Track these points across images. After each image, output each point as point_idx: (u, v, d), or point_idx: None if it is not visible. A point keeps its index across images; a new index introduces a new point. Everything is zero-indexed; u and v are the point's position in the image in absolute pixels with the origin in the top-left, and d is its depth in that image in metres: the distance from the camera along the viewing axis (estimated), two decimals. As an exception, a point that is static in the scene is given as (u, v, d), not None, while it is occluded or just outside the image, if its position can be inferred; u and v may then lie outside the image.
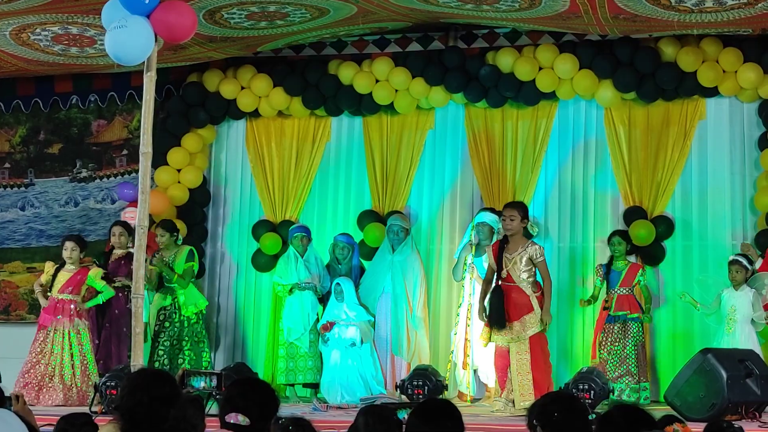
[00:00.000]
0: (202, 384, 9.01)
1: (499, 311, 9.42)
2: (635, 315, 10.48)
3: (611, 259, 10.72)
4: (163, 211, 11.84)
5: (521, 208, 9.75)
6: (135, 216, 10.96)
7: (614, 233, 10.81)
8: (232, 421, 4.20)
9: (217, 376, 9.14)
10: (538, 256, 9.53)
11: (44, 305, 10.63)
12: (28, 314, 12.36)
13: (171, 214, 11.94)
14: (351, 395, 10.36)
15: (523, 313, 9.41)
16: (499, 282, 9.51)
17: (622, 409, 4.27)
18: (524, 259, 9.47)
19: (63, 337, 10.47)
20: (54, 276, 10.64)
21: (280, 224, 12.06)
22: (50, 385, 10.35)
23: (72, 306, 10.54)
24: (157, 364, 10.87)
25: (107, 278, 10.79)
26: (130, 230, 10.98)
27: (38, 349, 10.46)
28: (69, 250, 10.69)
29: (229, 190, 12.61)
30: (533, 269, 9.55)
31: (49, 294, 10.63)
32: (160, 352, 10.96)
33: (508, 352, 9.44)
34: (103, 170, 12.68)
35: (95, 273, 10.68)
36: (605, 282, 10.63)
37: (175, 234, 11.31)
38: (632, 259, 10.91)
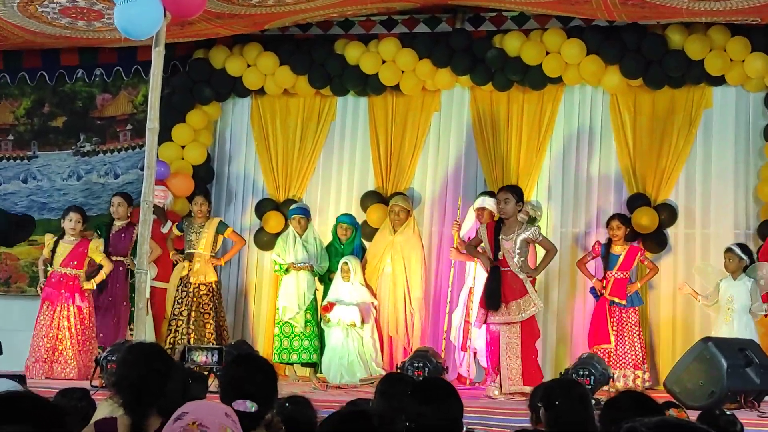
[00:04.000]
0: (204, 358, 9.04)
1: (496, 292, 9.44)
2: (624, 302, 10.45)
3: (609, 241, 10.70)
4: (186, 191, 11.91)
5: (516, 192, 9.74)
6: (161, 195, 11.07)
7: (613, 216, 10.75)
8: (241, 410, 4.13)
9: (218, 350, 9.17)
10: (537, 235, 9.59)
11: (42, 283, 10.61)
12: (28, 287, 12.36)
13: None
14: (351, 375, 10.39)
15: (517, 296, 9.43)
16: (496, 264, 9.53)
17: (629, 395, 4.30)
18: (519, 241, 9.49)
19: (68, 311, 10.46)
20: (54, 248, 10.63)
21: (284, 203, 12.06)
22: (60, 359, 10.38)
23: (75, 281, 10.54)
24: (173, 332, 10.92)
25: (106, 252, 10.83)
26: (129, 201, 11.03)
27: (45, 323, 10.46)
28: (74, 221, 10.66)
29: (233, 167, 12.61)
30: (526, 253, 9.58)
31: (50, 268, 10.62)
32: (172, 322, 11.03)
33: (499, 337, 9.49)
34: (106, 144, 12.66)
35: (96, 244, 10.68)
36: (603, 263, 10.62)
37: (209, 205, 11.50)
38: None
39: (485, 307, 9.56)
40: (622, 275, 10.49)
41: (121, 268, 10.98)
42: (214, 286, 11.14)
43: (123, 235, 11.05)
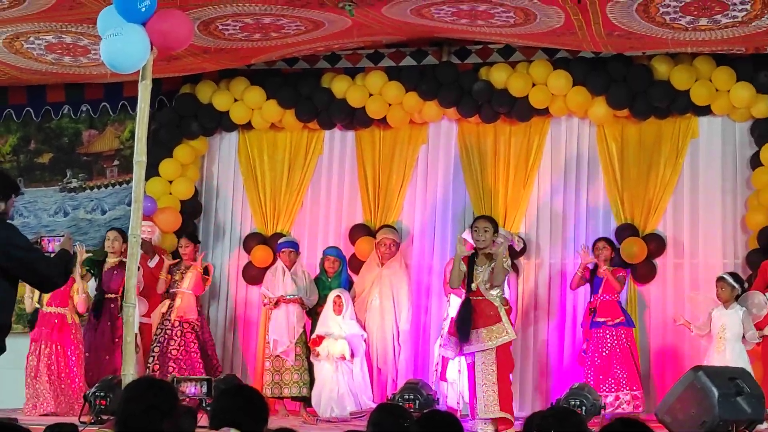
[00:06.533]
0: (194, 390, 8.98)
1: (466, 322, 9.30)
2: (617, 321, 10.43)
3: (596, 266, 10.65)
4: (173, 227, 11.89)
5: (493, 222, 9.66)
6: (148, 230, 10.96)
7: (599, 239, 10.77)
8: None
9: (207, 381, 9.11)
10: (503, 250, 9.34)
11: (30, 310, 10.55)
12: (15, 323, 12.24)
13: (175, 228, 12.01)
14: (341, 409, 10.33)
15: (489, 323, 9.27)
16: (469, 296, 9.40)
17: (625, 422, 4.26)
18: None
19: (49, 349, 10.34)
20: None
21: (271, 237, 12.02)
22: (46, 395, 10.24)
23: (62, 320, 10.41)
24: (147, 370, 10.80)
25: (99, 289, 10.73)
26: (124, 236, 10.84)
27: (32, 364, 10.33)
28: None
29: (220, 202, 12.57)
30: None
31: (39, 307, 10.51)
32: (151, 359, 10.89)
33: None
34: (93, 180, 12.64)
35: (78, 286, 10.50)
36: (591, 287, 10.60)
37: (198, 245, 11.45)
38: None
39: (455, 335, 9.46)
40: (608, 297, 10.46)
41: (113, 306, 10.80)
42: (196, 323, 11.06)
43: (116, 272, 10.80)
